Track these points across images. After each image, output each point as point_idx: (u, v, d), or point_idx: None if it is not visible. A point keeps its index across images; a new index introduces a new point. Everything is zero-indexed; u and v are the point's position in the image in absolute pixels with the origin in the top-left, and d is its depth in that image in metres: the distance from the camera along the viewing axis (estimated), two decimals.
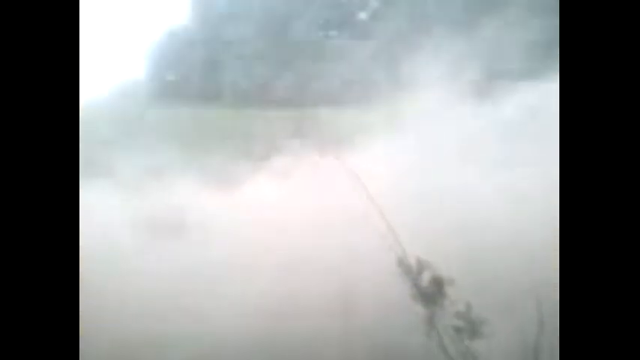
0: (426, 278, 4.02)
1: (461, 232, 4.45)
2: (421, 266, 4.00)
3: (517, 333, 4.27)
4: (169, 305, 4.22)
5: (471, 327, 4.09)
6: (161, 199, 5.69)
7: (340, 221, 4.66)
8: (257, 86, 11.15)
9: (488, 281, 4.30)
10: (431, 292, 4.05)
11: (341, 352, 4.13)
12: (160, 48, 11.16)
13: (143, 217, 5.37)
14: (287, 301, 4.33)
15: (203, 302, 4.29)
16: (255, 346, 4.06)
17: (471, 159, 5.14)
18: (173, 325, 4.18)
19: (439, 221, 4.45)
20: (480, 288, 4.24)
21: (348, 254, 4.52)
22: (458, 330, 4.08)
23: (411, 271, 4.00)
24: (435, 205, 4.65)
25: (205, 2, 11.64)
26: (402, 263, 4.03)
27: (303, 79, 10.83)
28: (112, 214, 5.46)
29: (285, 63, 11.52)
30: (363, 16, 14.18)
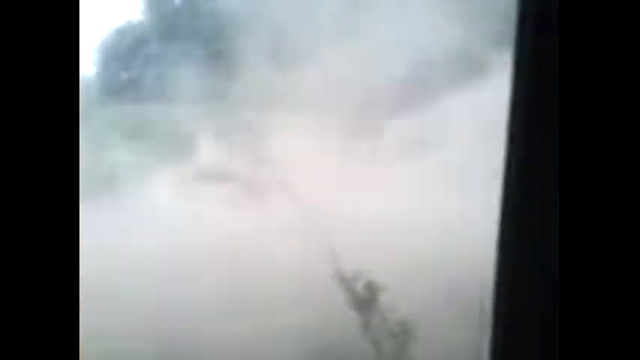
0: (360, 285, 4.10)
1: (395, 241, 4.52)
2: (356, 274, 4.08)
3: (452, 337, 4.37)
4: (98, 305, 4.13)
5: (404, 331, 4.19)
6: (107, 198, 5.56)
7: (274, 229, 4.67)
8: (212, 85, 11.00)
9: (423, 288, 4.39)
10: (365, 299, 4.13)
11: (277, 355, 4.17)
12: (111, 44, 10.91)
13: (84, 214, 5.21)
14: (224, 306, 4.33)
15: (134, 304, 4.25)
16: (190, 347, 4.06)
17: (409, 168, 5.21)
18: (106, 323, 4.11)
19: (374, 230, 4.51)
20: (416, 294, 4.32)
21: (284, 259, 4.53)
22: (392, 334, 4.17)
23: (346, 279, 4.07)
24: (370, 215, 4.71)
25: None
26: (337, 271, 4.09)
27: (262, 79, 10.75)
28: None
29: (243, 62, 11.39)
30: (322, 17, 14.16)
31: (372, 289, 4.12)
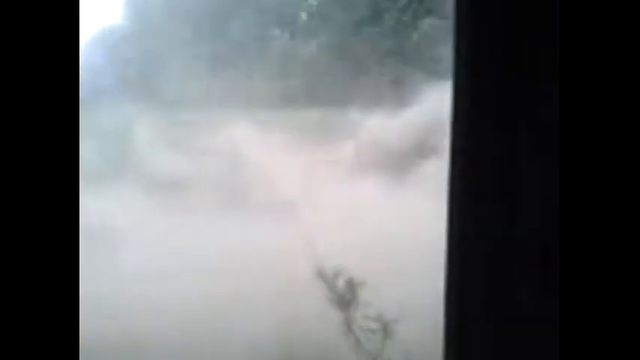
0: (340, 283, 4.18)
1: (375, 240, 4.60)
2: (336, 272, 4.16)
3: (433, 333, 4.45)
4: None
5: (384, 328, 4.28)
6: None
7: (256, 230, 4.74)
8: (196, 87, 11.01)
9: (404, 284, 4.48)
10: (346, 296, 4.22)
11: (257, 355, 4.23)
12: (92, 47, 10.87)
13: None
14: (204, 306, 4.40)
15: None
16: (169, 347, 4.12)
17: (386, 165, 5.30)
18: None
19: (354, 229, 4.60)
20: (394, 291, 4.41)
21: (265, 262, 4.60)
22: (372, 331, 4.26)
23: (327, 277, 4.15)
24: (349, 214, 4.80)
25: (139, 0, 11.40)
26: (318, 269, 4.17)
27: (244, 79, 10.79)
28: None
29: (226, 62, 11.42)
30: (304, 16, 14.22)
31: (352, 286, 4.21)
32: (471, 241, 1.50)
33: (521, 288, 1.46)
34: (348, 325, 4.28)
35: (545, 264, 1.41)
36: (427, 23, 10.49)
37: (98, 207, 5.29)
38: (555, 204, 1.37)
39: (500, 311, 1.51)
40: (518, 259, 1.46)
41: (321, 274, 4.22)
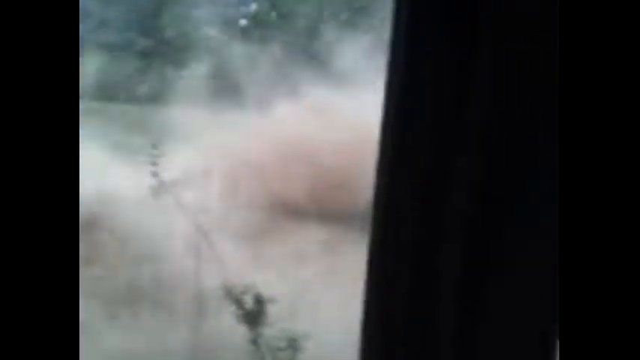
0: (249, 300, 4.09)
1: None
2: (244, 289, 4.07)
3: (341, 351, 4.45)
4: None
5: (293, 345, 4.22)
6: None
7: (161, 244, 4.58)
8: (122, 81, 10.63)
9: (314, 300, 4.45)
10: (254, 313, 4.13)
11: None
12: None
13: None
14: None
15: None
16: None
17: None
18: None
19: (262, 244, 4.53)
20: (306, 307, 4.38)
21: (173, 279, 4.46)
22: (280, 349, 4.19)
23: (235, 294, 4.05)
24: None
25: None
26: (225, 287, 4.06)
27: (172, 75, 10.53)
28: None
29: (154, 57, 11.10)
30: (242, 20, 14.10)
31: (260, 302, 4.13)
32: (392, 249, 1.50)
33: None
34: (256, 342, 4.18)
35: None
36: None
37: None
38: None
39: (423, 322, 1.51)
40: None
41: (228, 291, 4.11)
